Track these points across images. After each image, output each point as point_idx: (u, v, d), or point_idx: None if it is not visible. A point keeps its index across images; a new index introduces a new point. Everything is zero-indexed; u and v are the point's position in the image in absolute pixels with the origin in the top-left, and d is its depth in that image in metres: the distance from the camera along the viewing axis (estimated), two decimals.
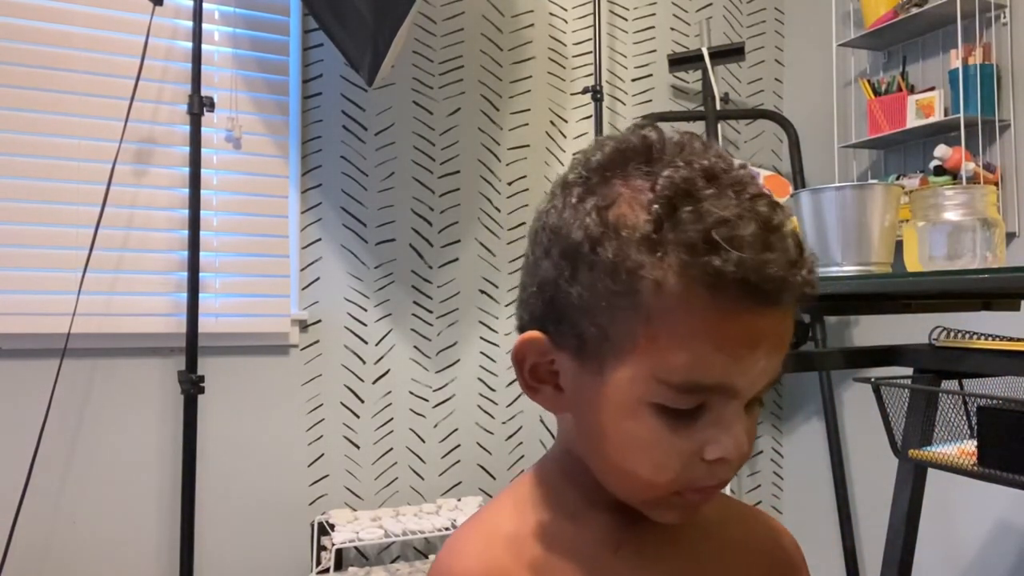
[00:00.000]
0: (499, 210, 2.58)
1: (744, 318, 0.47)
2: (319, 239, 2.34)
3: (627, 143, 0.52)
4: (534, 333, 0.53)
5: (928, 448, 1.39)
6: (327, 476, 2.31)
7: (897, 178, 2.45)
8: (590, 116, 2.67)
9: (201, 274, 1.98)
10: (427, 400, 2.46)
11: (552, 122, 2.68)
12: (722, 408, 0.49)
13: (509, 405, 2.56)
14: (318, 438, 2.31)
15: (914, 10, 2.32)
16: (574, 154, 0.55)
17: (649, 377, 0.48)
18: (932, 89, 2.35)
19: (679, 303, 0.46)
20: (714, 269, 0.45)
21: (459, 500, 2.37)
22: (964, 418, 1.38)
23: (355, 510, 2.28)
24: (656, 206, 0.47)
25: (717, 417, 0.49)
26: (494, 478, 2.52)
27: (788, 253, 0.47)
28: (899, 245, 1.46)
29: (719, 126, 2.70)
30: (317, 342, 2.32)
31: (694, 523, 0.57)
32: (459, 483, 2.48)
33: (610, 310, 0.48)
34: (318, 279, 2.34)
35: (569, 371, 0.53)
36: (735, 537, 0.60)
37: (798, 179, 2.73)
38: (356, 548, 2.29)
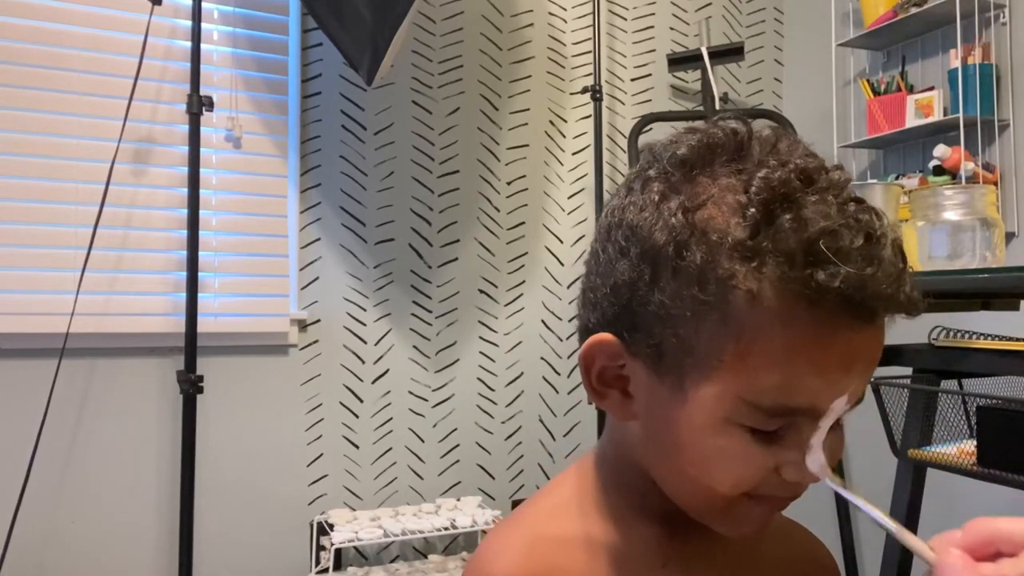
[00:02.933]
0: (498, 210, 2.58)
1: (843, 337, 0.43)
2: (318, 239, 2.34)
3: (713, 137, 0.47)
4: (606, 335, 0.49)
5: (928, 448, 1.39)
6: (326, 476, 2.31)
7: (896, 178, 2.45)
8: (589, 116, 2.67)
9: (200, 273, 1.98)
10: (426, 400, 2.45)
11: (551, 122, 2.68)
12: (807, 429, 0.45)
13: (508, 405, 2.56)
14: (317, 438, 2.31)
15: (913, 10, 2.32)
16: (650, 145, 0.51)
17: (737, 398, 0.44)
18: (931, 89, 2.35)
19: (775, 318, 0.42)
20: (817, 284, 0.41)
21: (458, 500, 2.36)
22: (963, 418, 1.38)
23: (354, 510, 2.28)
24: (752, 210, 0.43)
25: (801, 438, 0.46)
26: (493, 478, 2.52)
27: (892, 267, 0.43)
28: None
29: None
30: (316, 342, 2.32)
31: (739, 540, 0.56)
32: (458, 483, 2.47)
33: (695, 321, 0.44)
34: (317, 279, 2.34)
35: (642, 380, 0.49)
36: (775, 553, 0.59)
37: None
38: (355, 548, 2.29)
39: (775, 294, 0.42)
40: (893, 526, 0.40)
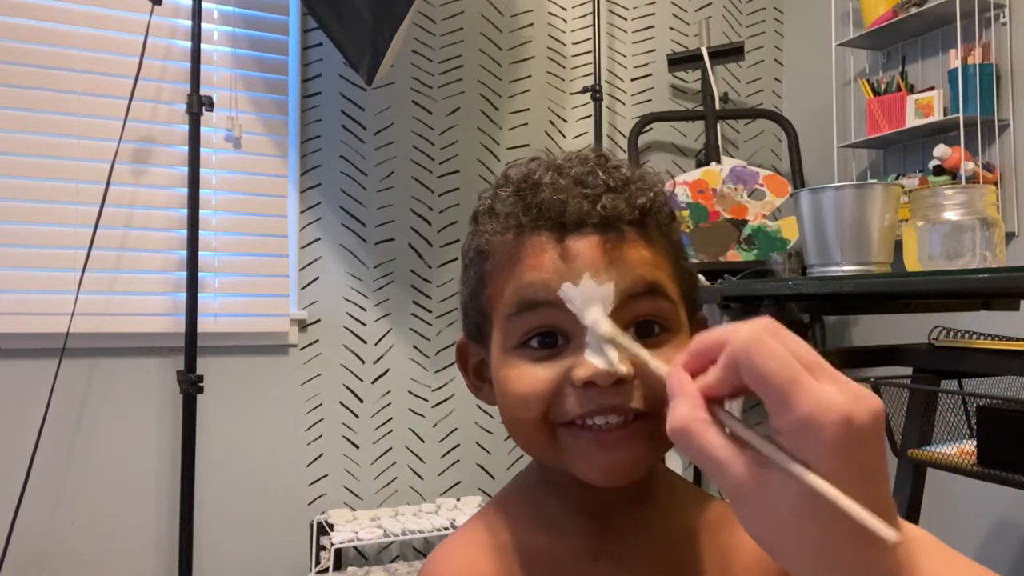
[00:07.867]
0: None
1: (553, 244, 0.52)
2: (318, 239, 2.34)
3: (507, 177, 0.58)
4: (461, 336, 0.61)
5: (927, 448, 1.39)
6: (326, 476, 2.31)
7: (896, 178, 2.45)
8: (589, 116, 2.67)
9: (200, 273, 1.98)
10: (426, 400, 2.45)
11: (551, 122, 2.68)
12: (579, 338, 0.51)
13: None
14: (317, 438, 2.31)
15: (913, 10, 2.32)
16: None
17: (501, 324, 0.53)
18: (931, 89, 2.35)
19: (502, 253, 0.54)
20: (516, 215, 0.53)
21: (458, 500, 2.37)
22: (963, 418, 1.38)
23: (354, 510, 2.28)
24: (489, 201, 0.57)
25: (580, 345, 0.50)
26: (493, 478, 2.52)
27: (584, 187, 0.53)
28: (899, 245, 1.46)
29: (718, 126, 2.70)
30: (316, 342, 2.32)
31: (679, 530, 0.57)
32: (458, 483, 2.48)
33: (479, 289, 0.56)
34: (317, 279, 2.34)
35: (487, 361, 0.58)
36: (724, 542, 0.58)
37: (797, 179, 2.72)
38: (355, 548, 2.29)
39: (500, 238, 0.54)
40: (653, 361, 0.44)
